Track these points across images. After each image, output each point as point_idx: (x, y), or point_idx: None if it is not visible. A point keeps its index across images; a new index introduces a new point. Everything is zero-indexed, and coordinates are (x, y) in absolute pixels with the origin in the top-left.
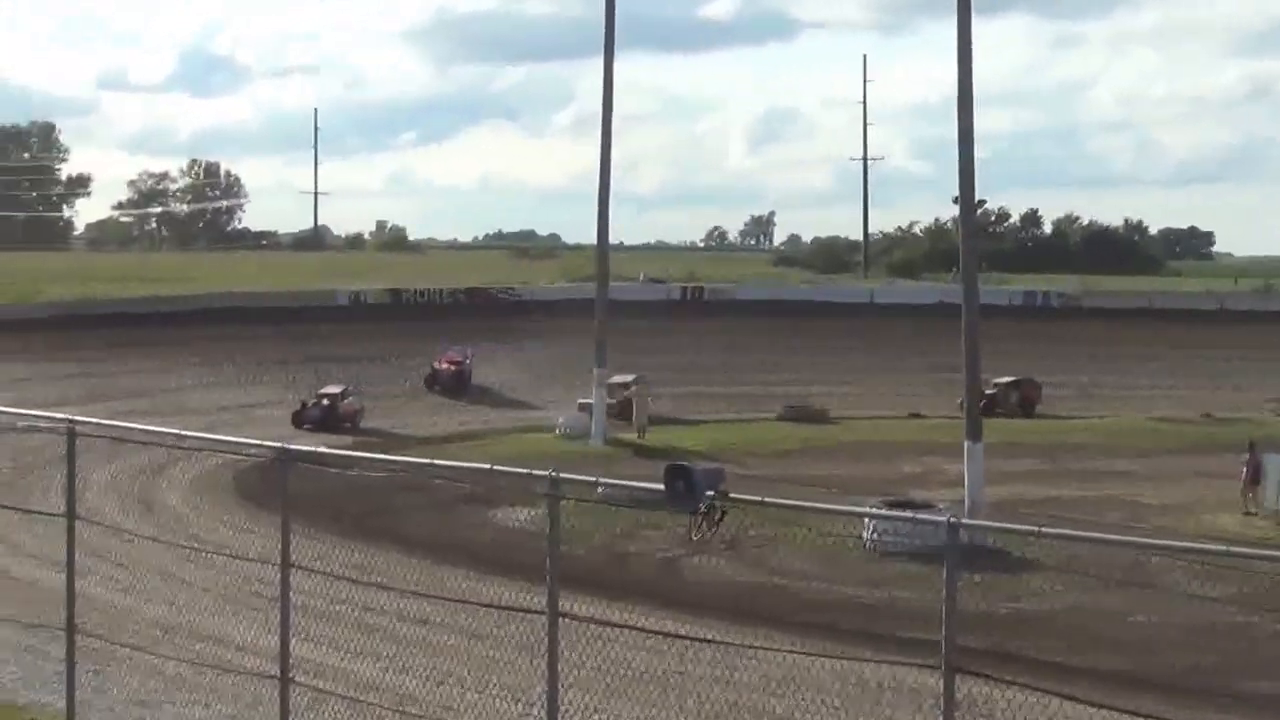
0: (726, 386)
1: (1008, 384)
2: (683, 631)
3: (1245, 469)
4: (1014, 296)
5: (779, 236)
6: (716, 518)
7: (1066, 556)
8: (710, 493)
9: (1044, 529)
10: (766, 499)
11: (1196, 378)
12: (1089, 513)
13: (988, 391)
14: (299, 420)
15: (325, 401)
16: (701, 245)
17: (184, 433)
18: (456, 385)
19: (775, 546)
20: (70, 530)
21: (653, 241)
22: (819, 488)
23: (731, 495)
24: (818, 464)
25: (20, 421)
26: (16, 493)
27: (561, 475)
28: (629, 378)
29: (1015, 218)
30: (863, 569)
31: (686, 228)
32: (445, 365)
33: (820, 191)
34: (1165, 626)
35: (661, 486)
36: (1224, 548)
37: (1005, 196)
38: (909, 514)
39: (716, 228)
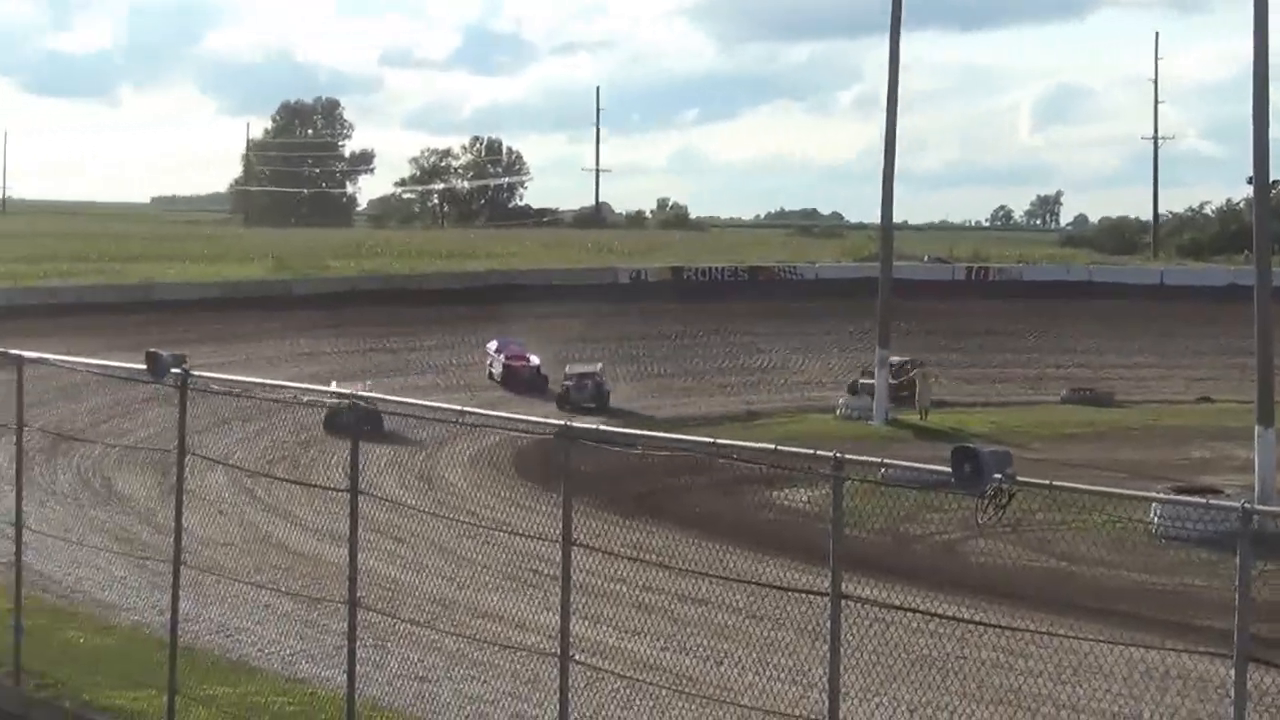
0: (1010, 368)
1: None
2: (965, 615)
3: None
4: None
5: (1066, 217)
6: (1003, 501)
7: None
8: (997, 476)
9: None
10: (1054, 482)
11: None
12: None
13: None
14: (563, 402)
15: (591, 379)
16: (986, 225)
17: (465, 409)
18: (534, 383)
19: (1060, 531)
20: (353, 505)
21: (937, 221)
22: (1104, 472)
23: (1019, 479)
24: (1103, 448)
25: (305, 396)
26: (299, 468)
27: (845, 456)
28: (905, 359)
29: None
30: (1150, 555)
31: (971, 207)
32: (516, 362)
33: (1109, 171)
34: None
35: (947, 469)
36: None
37: None
38: (1200, 499)
39: (1002, 207)
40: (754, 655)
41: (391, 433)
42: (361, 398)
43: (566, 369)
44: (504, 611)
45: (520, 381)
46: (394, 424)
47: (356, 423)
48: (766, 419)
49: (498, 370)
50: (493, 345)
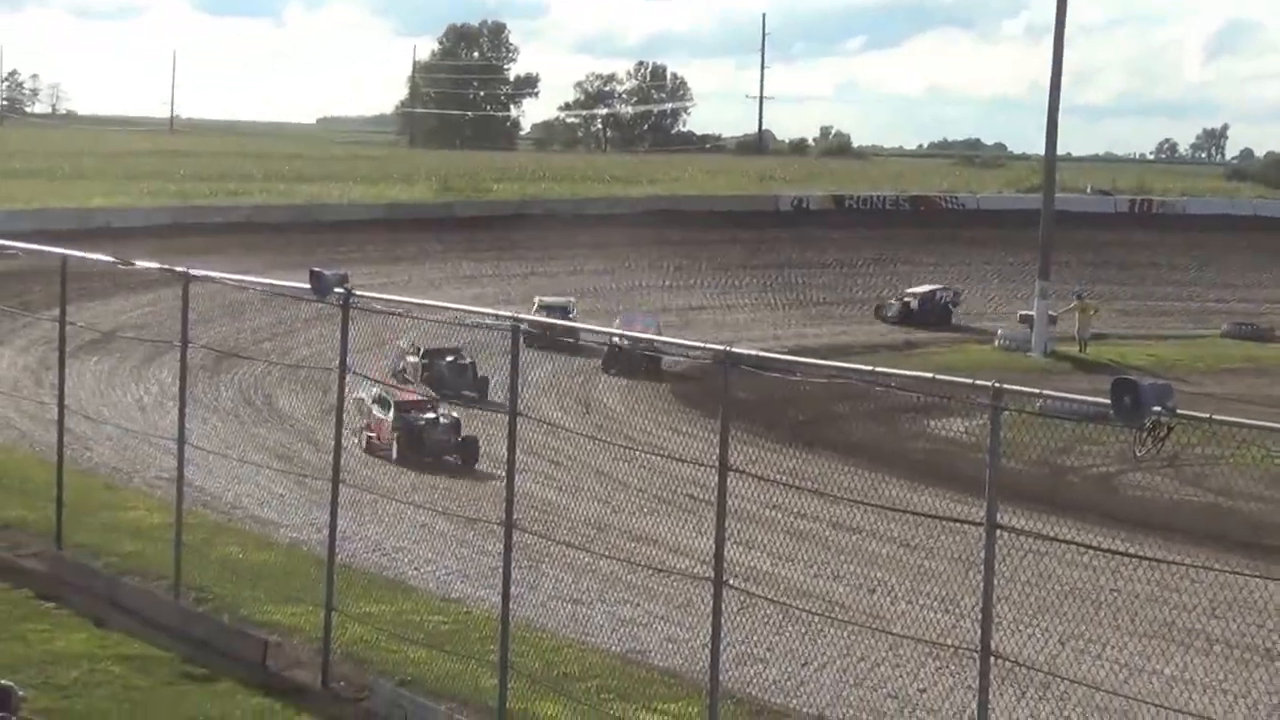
0: (1171, 301)
1: None
2: (1119, 548)
3: None
4: None
5: (1231, 150)
6: (1162, 434)
7: None
8: (1157, 409)
9: None
10: (1214, 416)
11: None
12: None
13: None
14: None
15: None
16: (1151, 157)
17: (624, 332)
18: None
19: (1217, 466)
20: (511, 427)
21: (1101, 153)
22: (1264, 407)
23: (1178, 412)
24: (1263, 383)
25: (468, 319)
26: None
27: (1004, 386)
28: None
29: None
30: None
31: (1136, 139)
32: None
33: (1276, 105)
34: None
35: (1106, 401)
36: None
37: None
38: None
39: (1167, 140)
40: (906, 584)
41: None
42: (521, 319)
43: (537, 299)
44: (658, 536)
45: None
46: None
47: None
48: (924, 349)
49: None
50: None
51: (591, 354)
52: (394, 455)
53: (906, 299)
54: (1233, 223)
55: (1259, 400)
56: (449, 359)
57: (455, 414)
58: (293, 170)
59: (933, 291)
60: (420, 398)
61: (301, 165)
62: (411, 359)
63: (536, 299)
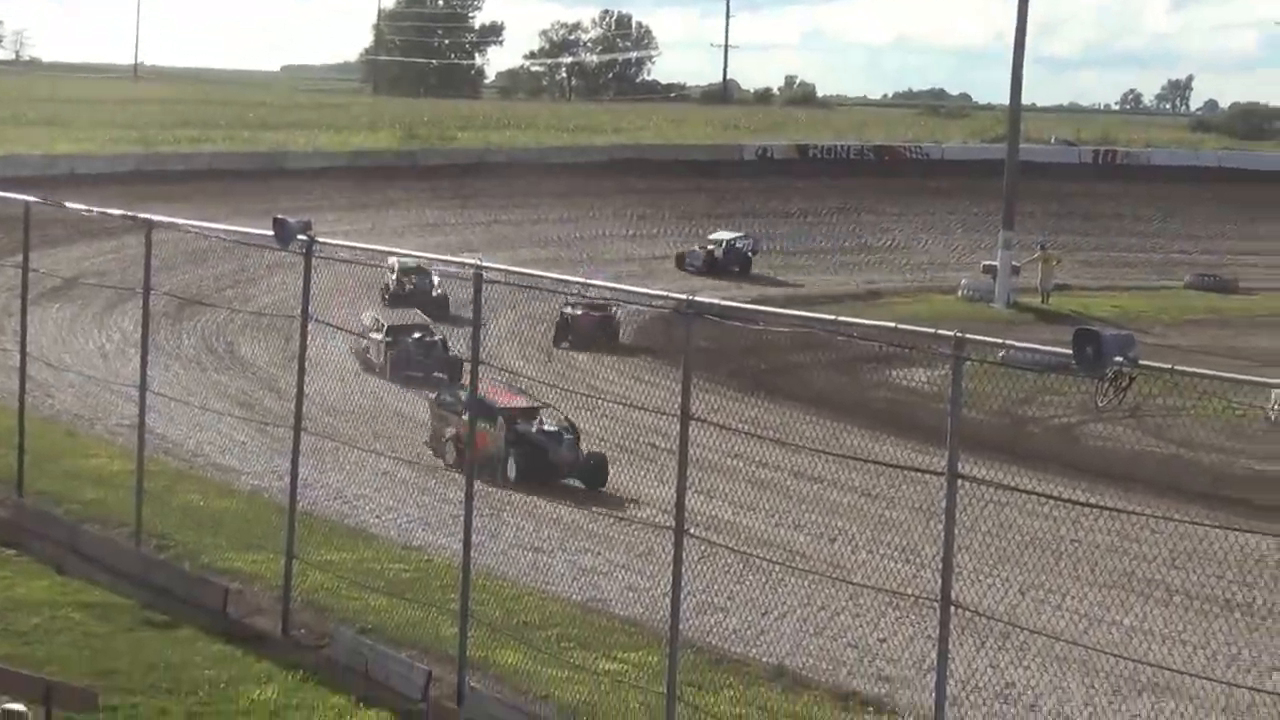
0: (1135, 252)
1: None
2: (1080, 499)
3: None
4: None
5: (1196, 101)
6: (1124, 385)
7: None
8: (1119, 359)
9: None
10: (1175, 367)
11: None
12: None
13: None
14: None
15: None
16: (1116, 108)
17: (589, 281)
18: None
19: (1178, 417)
20: (474, 375)
21: (1066, 103)
22: (1226, 359)
23: (1140, 363)
24: (1226, 335)
25: (437, 267)
26: None
27: (966, 336)
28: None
29: None
30: (1268, 443)
31: (1101, 90)
32: (583, 313)
33: (1241, 56)
34: None
35: (1068, 351)
36: None
37: None
38: None
39: (1132, 91)
40: (867, 533)
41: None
42: (485, 267)
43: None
44: (619, 484)
45: (570, 332)
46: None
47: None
48: (888, 298)
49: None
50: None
51: (557, 302)
52: (511, 474)
53: (710, 247)
54: (1197, 174)
55: (1221, 351)
56: (416, 335)
57: (568, 419)
58: (257, 118)
59: (734, 240)
60: (530, 403)
61: (266, 113)
62: (375, 336)
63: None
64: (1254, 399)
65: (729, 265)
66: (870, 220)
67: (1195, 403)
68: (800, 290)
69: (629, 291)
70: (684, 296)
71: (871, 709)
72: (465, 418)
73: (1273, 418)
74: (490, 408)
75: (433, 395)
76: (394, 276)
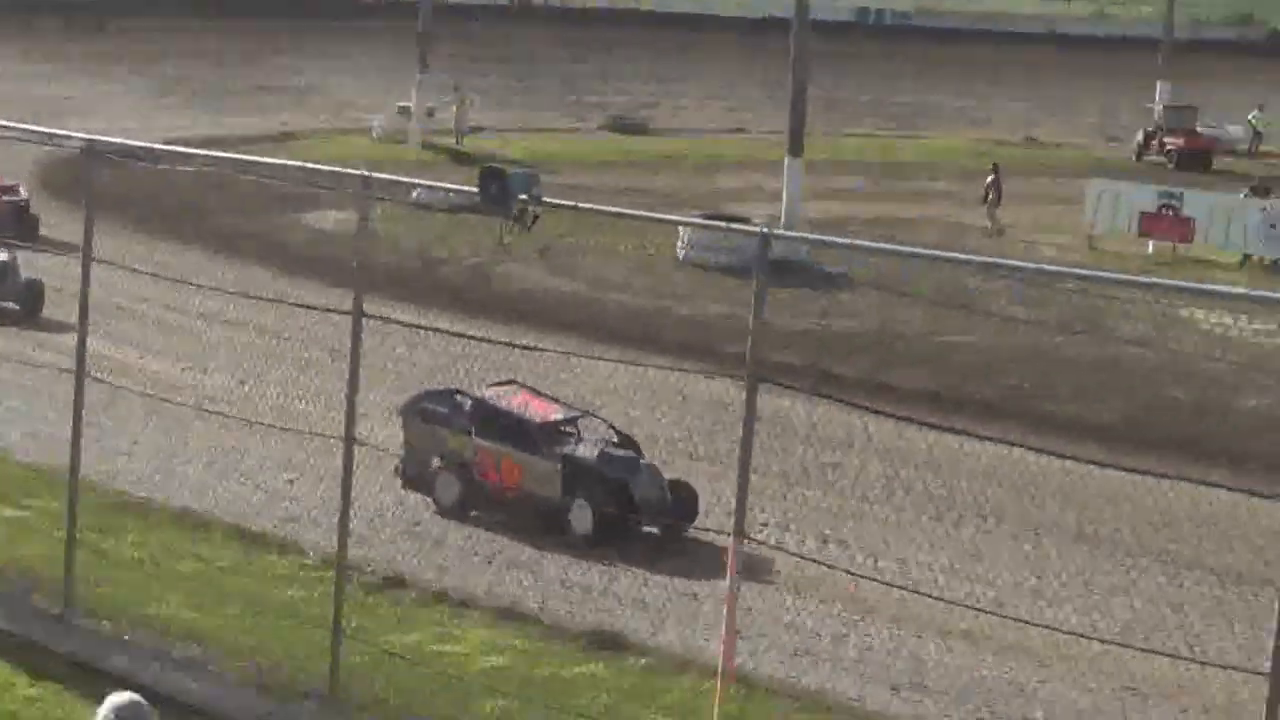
0: (551, 95)
1: None
2: (490, 336)
3: (987, 190)
4: (846, 13)
5: None
6: (529, 222)
7: (879, 274)
8: (523, 196)
9: (856, 241)
10: (580, 204)
11: (1024, 102)
12: (908, 232)
13: None
14: None
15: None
16: None
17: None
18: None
19: (587, 256)
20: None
21: None
22: (636, 197)
23: (545, 199)
24: (637, 176)
25: None
26: None
27: (374, 175)
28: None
29: None
30: (676, 281)
31: None
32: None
33: None
34: (985, 349)
35: (475, 189)
36: (1033, 265)
37: None
38: (723, 224)
39: None
40: (280, 373)
41: None
42: None
43: None
44: (20, 329)
45: None
46: None
47: None
48: (302, 139)
49: None
50: None
51: None
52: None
53: None
54: (617, 17)
55: (632, 191)
56: (6, 198)
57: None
58: None
59: None
60: (567, 412)
61: None
62: None
63: None
64: (659, 237)
65: None
66: (284, 62)
67: (604, 240)
68: (215, 133)
69: (34, 131)
70: (86, 136)
71: (277, 548)
72: (476, 438)
73: (680, 257)
74: (519, 422)
75: (407, 400)
76: None
